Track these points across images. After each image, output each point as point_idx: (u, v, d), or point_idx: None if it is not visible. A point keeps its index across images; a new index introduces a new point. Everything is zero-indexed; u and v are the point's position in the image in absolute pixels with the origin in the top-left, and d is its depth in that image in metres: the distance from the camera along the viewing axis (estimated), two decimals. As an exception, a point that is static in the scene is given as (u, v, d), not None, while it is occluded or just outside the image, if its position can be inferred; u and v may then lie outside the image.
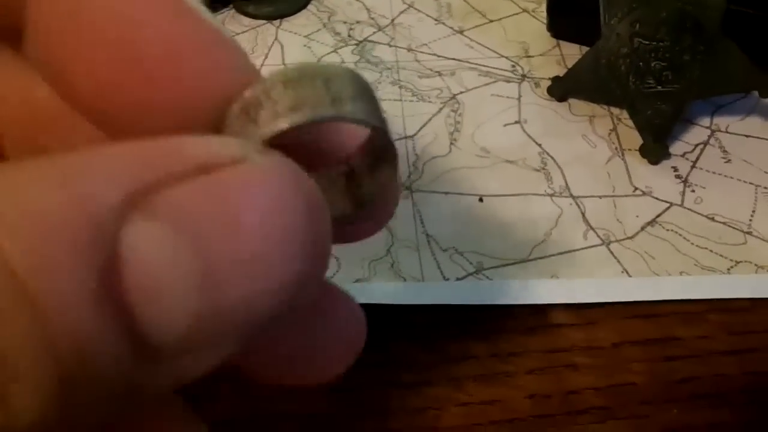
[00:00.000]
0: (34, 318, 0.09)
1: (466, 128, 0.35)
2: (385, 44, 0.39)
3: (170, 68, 0.12)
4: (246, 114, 0.12)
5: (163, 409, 0.15)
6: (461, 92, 0.36)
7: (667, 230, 0.31)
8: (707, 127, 0.35)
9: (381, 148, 0.14)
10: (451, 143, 0.34)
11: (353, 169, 0.15)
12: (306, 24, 0.40)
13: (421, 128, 0.34)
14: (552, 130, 0.35)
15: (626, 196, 0.32)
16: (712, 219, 0.31)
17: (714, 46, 0.33)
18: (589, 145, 0.34)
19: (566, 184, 0.32)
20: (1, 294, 0.09)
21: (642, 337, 0.27)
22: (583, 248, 0.30)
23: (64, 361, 0.09)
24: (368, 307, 0.17)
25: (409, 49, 0.39)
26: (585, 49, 0.36)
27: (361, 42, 0.39)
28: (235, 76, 0.12)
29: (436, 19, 0.41)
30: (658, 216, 0.31)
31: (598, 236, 0.30)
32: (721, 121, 0.35)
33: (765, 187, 0.32)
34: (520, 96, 0.36)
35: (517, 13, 0.41)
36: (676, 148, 0.34)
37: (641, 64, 0.34)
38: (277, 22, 0.40)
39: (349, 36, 0.39)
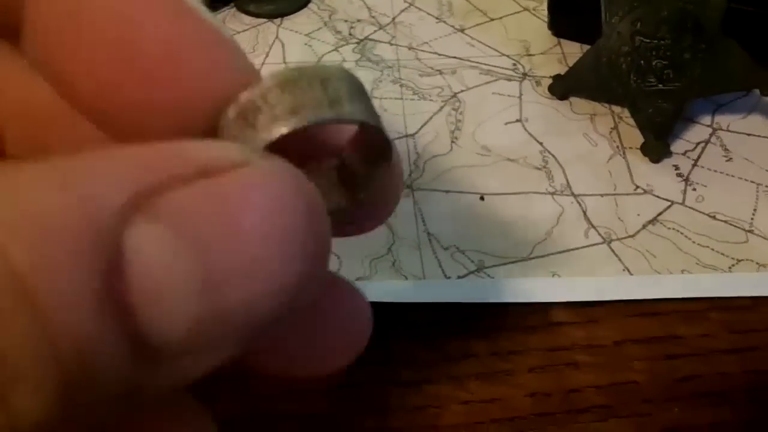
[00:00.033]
0: (34, 318, 0.09)
1: (467, 127, 0.35)
2: (386, 43, 0.39)
3: (169, 68, 0.12)
4: (244, 118, 0.12)
5: (173, 408, 0.15)
6: (462, 91, 0.36)
7: (669, 228, 0.31)
8: (708, 126, 0.35)
9: (376, 144, 0.14)
10: (452, 142, 0.34)
11: (345, 162, 0.15)
12: (307, 22, 0.40)
13: (422, 127, 0.34)
14: (553, 128, 0.35)
15: (627, 194, 0.32)
16: (714, 217, 0.31)
17: (715, 44, 0.33)
18: (590, 143, 0.34)
19: (567, 182, 0.32)
20: (1, 294, 0.09)
21: (643, 335, 0.27)
22: (584, 246, 0.30)
23: (64, 361, 0.09)
24: (369, 306, 0.17)
25: (410, 48, 0.39)
26: (586, 47, 0.36)
27: (362, 40, 0.39)
28: (235, 76, 0.12)
29: (437, 18, 0.41)
30: (660, 214, 0.31)
31: (600, 234, 0.30)
32: (723, 119, 0.35)
33: (766, 186, 0.32)
34: (521, 94, 0.36)
35: (518, 12, 0.41)
36: (677, 146, 0.34)
37: (642, 62, 0.34)
38: (278, 20, 0.40)
39: (350, 34, 0.39)
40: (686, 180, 0.32)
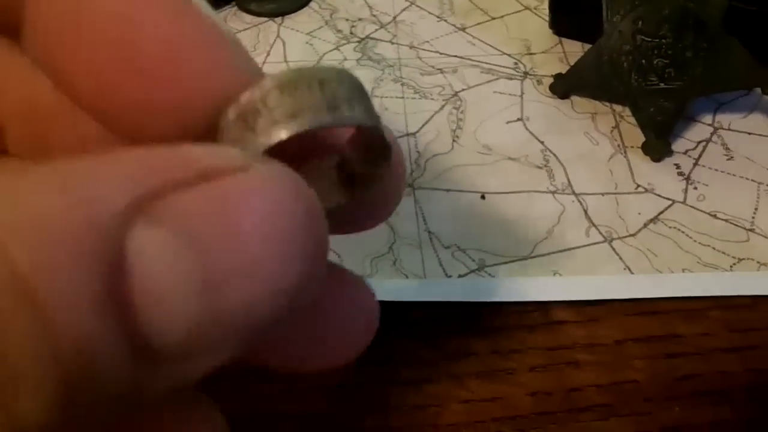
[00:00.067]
0: (35, 318, 0.09)
1: (468, 125, 0.35)
2: (387, 41, 0.39)
3: (170, 68, 0.12)
4: (244, 121, 0.12)
5: (187, 407, 0.15)
6: (463, 89, 0.36)
7: (670, 227, 0.31)
8: (710, 125, 0.35)
9: (375, 145, 0.14)
10: (453, 140, 0.34)
11: (345, 161, 0.15)
12: (308, 21, 0.40)
13: (423, 125, 0.34)
14: (554, 127, 0.35)
15: (628, 193, 0.32)
16: (715, 216, 0.31)
17: (716, 43, 0.33)
18: (591, 142, 0.34)
19: (568, 181, 0.32)
20: (1, 294, 0.09)
21: (644, 334, 0.27)
22: (585, 245, 0.30)
23: (65, 361, 0.09)
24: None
25: (411, 47, 0.39)
26: (587, 46, 0.36)
27: (363, 39, 0.39)
28: (235, 75, 0.12)
29: (438, 17, 0.41)
30: (661, 213, 0.31)
31: (600, 233, 0.30)
32: (724, 118, 0.35)
33: (767, 185, 0.32)
34: (522, 93, 0.36)
35: (519, 11, 0.41)
36: (678, 145, 0.34)
37: (643, 61, 0.34)
38: (279, 19, 0.40)
39: (351, 33, 0.39)
40: (687, 179, 0.32)
